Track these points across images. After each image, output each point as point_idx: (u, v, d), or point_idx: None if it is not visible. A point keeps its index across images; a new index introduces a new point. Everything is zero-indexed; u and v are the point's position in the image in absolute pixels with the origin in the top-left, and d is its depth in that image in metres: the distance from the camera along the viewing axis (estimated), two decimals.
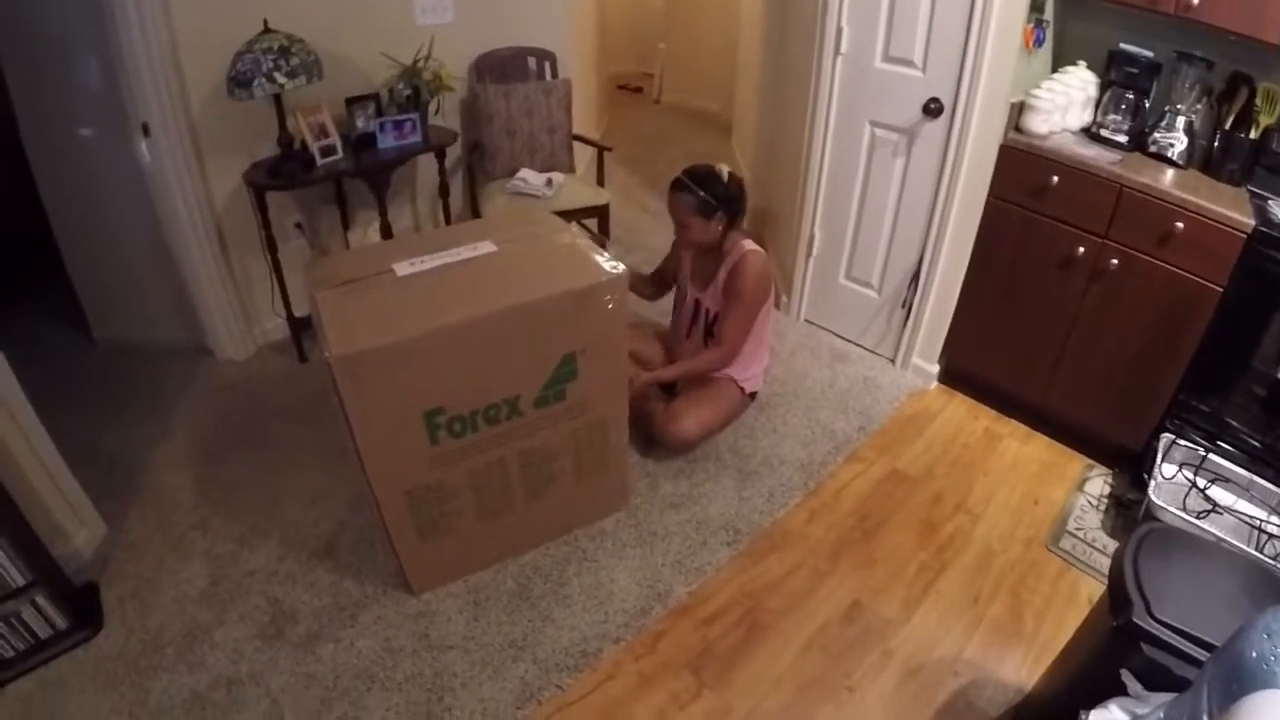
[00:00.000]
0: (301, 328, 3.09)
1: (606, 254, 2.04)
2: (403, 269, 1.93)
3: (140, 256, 3.00)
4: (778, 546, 2.34)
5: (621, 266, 1.98)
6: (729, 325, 2.46)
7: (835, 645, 2.08)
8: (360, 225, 3.28)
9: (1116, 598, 1.49)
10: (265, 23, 2.60)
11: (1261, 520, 2.27)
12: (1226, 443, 2.40)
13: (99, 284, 3.15)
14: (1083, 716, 1.33)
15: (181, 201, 2.78)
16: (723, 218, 2.44)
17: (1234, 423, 2.39)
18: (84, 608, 2.10)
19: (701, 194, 2.40)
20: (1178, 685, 1.30)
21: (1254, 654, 1.02)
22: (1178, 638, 1.37)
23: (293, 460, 2.62)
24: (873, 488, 2.56)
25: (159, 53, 2.56)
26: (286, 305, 3.04)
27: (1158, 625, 1.39)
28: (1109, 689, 1.38)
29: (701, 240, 2.48)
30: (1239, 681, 1.01)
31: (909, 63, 2.64)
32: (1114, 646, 1.45)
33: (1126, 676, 1.38)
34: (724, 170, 2.45)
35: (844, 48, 2.77)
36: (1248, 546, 2.17)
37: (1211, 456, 2.39)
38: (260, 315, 3.18)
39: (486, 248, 2.03)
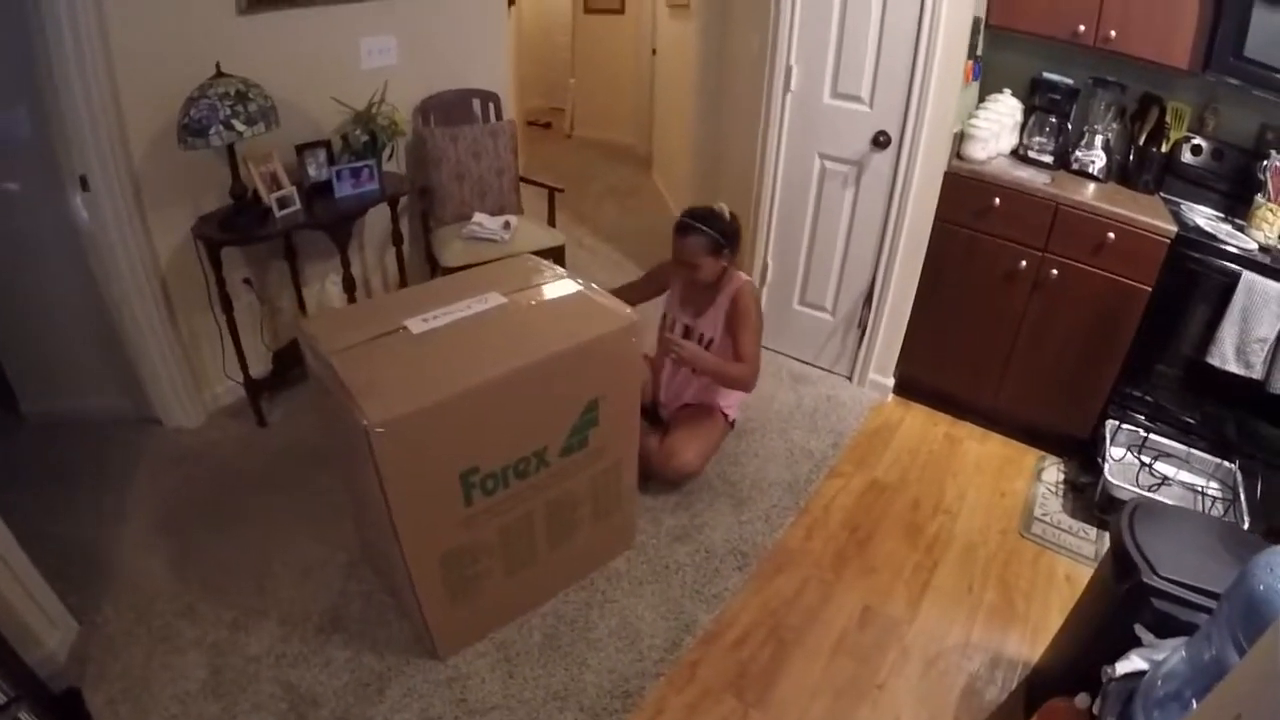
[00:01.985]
0: (259, 390, 2.94)
1: (610, 295, 2.11)
2: (416, 325, 1.90)
3: (73, 320, 2.78)
4: (784, 565, 2.44)
5: (629, 309, 2.04)
6: (747, 344, 2.54)
7: (858, 649, 2.20)
8: (314, 279, 3.14)
9: (1122, 564, 1.68)
10: (218, 66, 2.47)
11: (1202, 486, 2.59)
12: (1164, 422, 2.70)
13: (26, 352, 2.88)
14: (1108, 671, 1.49)
15: (124, 259, 2.59)
16: (728, 254, 2.53)
17: (1168, 405, 2.69)
18: (70, 717, 1.92)
19: (712, 233, 2.48)
20: (1184, 630, 1.49)
21: (1261, 588, 1.23)
22: (1183, 589, 1.56)
23: (273, 532, 2.49)
24: (856, 499, 2.71)
25: (100, 99, 2.39)
26: (243, 367, 2.88)
27: (1164, 581, 1.58)
28: (1124, 644, 1.55)
29: (708, 277, 2.55)
30: (1255, 612, 1.21)
31: (857, 98, 2.81)
32: (1124, 607, 1.64)
33: (1140, 630, 1.56)
34: (723, 209, 2.54)
35: (794, 85, 2.92)
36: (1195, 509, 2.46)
37: (1152, 436, 2.69)
38: (210, 379, 2.99)
39: (496, 299, 2.03)
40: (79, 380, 2.93)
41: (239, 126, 2.40)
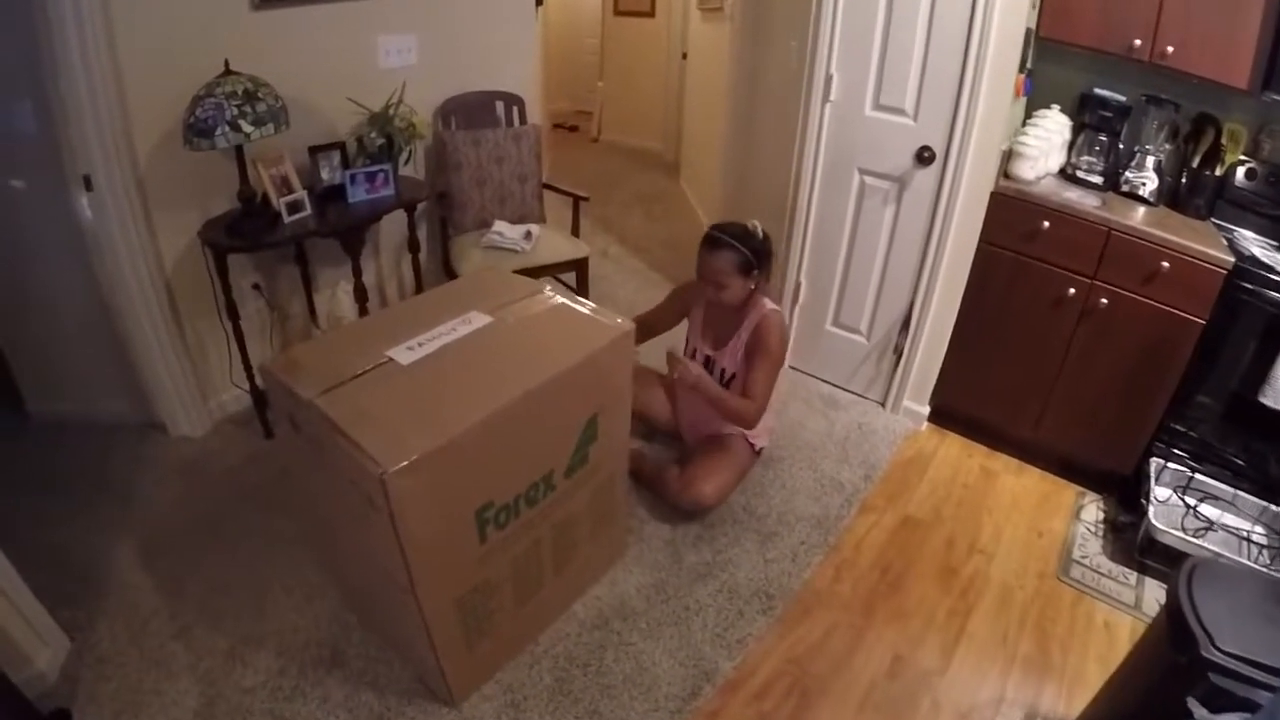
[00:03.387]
0: (267, 400, 2.80)
1: (594, 305, 2.03)
2: (403, 355, 1.76)
3: (78, 321, 2.69)
4: (811, 608, 2.29)
5: (620, 317, 1.96)
6: (758, 381, 2.39)
7: (887, 703, 2.05)
8: (326, 285, 3.03)
9: (1179, 633, 1.55)
10: (227, 64, 2.35)
11: (1247, 531, 2.42)
12: (1210, 462, 2.54)
13: (32, 351, 2.80)
14: None
15: (127, 262, 2.49)
16: (757, 275, 2.39)
17: (1216, 444, 2.53)
18: None
19: (744, 251, 2.34)
20: (1242, 706, 1.41)
21: None
22: (1243, 665, 1.45)
23: (275, 553, 2.37)
24: (889, 537, 2.56)
25: (105, 97, 2.29)
26: (249, 375, 2.77)
27: (1225, 656, 1.46)
28: (1172, 716, 1.47)
29: (735, 299, 2.41)
30: None
31: (900, 111, 2.66)
32: (1178, 678, 1.52)
33: (1193, 704, 1.46)
34: (757, 227, 2.40)
35: (833, 95, 2.77)
36: (1238, 556, 2.32)
37: (1198, 476, 2.52)
38: (216, 386, 2.89)
39: (480, 319, 1.91)
40: (84, 382, 2.85)
41: (246, 127, 2.28)
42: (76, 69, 2.22)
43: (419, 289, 3.21)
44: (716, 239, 2.37)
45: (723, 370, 2.53)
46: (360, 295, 2.80)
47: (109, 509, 2.55)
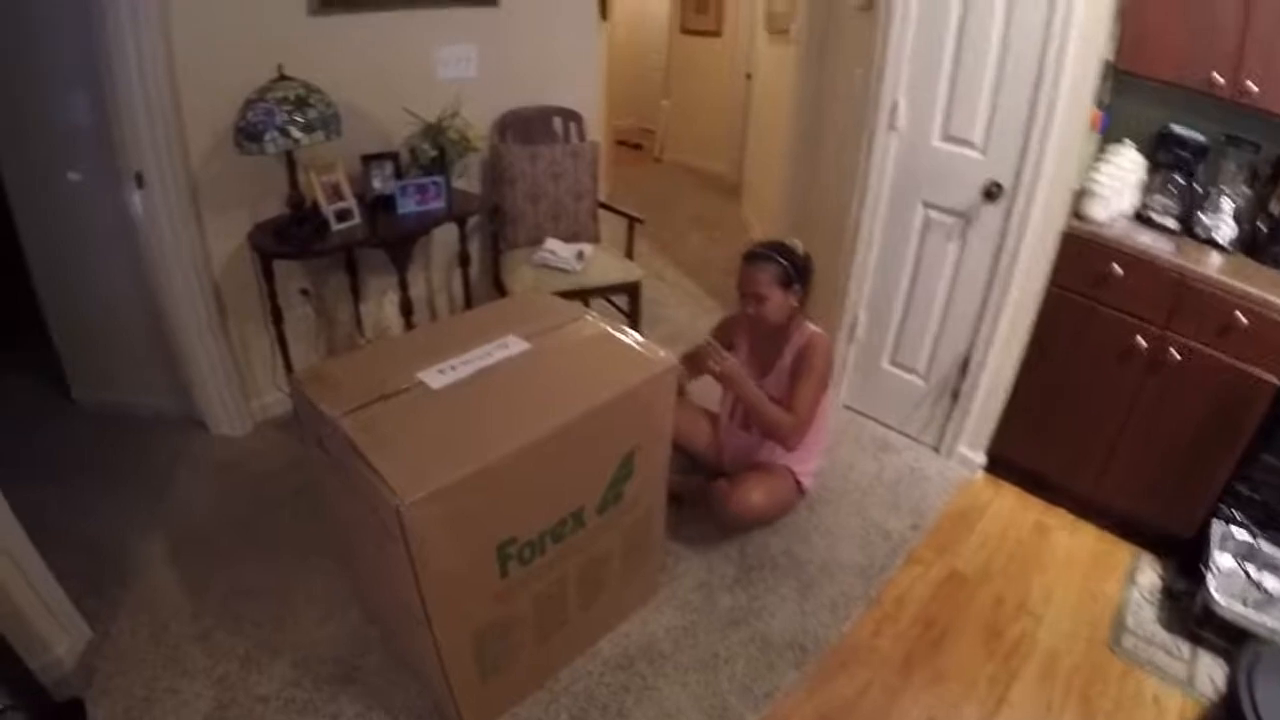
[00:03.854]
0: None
1: (639, 336, 1.93)
2: (434, 379, 1.70)
3: (128, 314, 2.74)
4: (846, 663, 2.16)
5: (664, 351, 1.86)
6: (802, 398, 2.30)
7: None
8: (374, 295, 3.02)
9: None
10: (280, 69, 2.37)
11: None
12: (1275, 529, 2.33)
13: (81, 340, 2.88)
14: None
15: (175, 260, 2.52)
16: (799, 291, 2.32)
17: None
18: None
19: (783, 262, 2.29)
20: None
21: None
22: None
23: (303, 562, 2.35)
24: (934, 592, 2.41)
25: (158, 96, 2.32)
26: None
27: None
28: None
29: (776, 317, 2.33)
30: None
31: (969, 143, 2.53)
32: None
33: None
34: (797, 244, 2.34)
35: (899, 123, 2.65)
36: None
37: (1262, 544, 2.32)
38: (260, 388, 2.91)
39: (518, 344, 1.84)
40: (129, 374, 2.90)
41: (295, 133, 2.28)
42: (130, 66, 2.25)
43: (468, 304, 3.19)
44: (756, 253, 2.34)
45: (769, 398, 2.42)
46: (406, 308, 2.78)
47: (144, 502, 2.58)
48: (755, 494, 2.38)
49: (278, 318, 2.63)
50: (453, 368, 1.73)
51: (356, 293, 2.96)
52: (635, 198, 5.61)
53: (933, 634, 2.27)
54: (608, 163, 5.73)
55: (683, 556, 2.45)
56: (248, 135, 2.27)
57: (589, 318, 2.01)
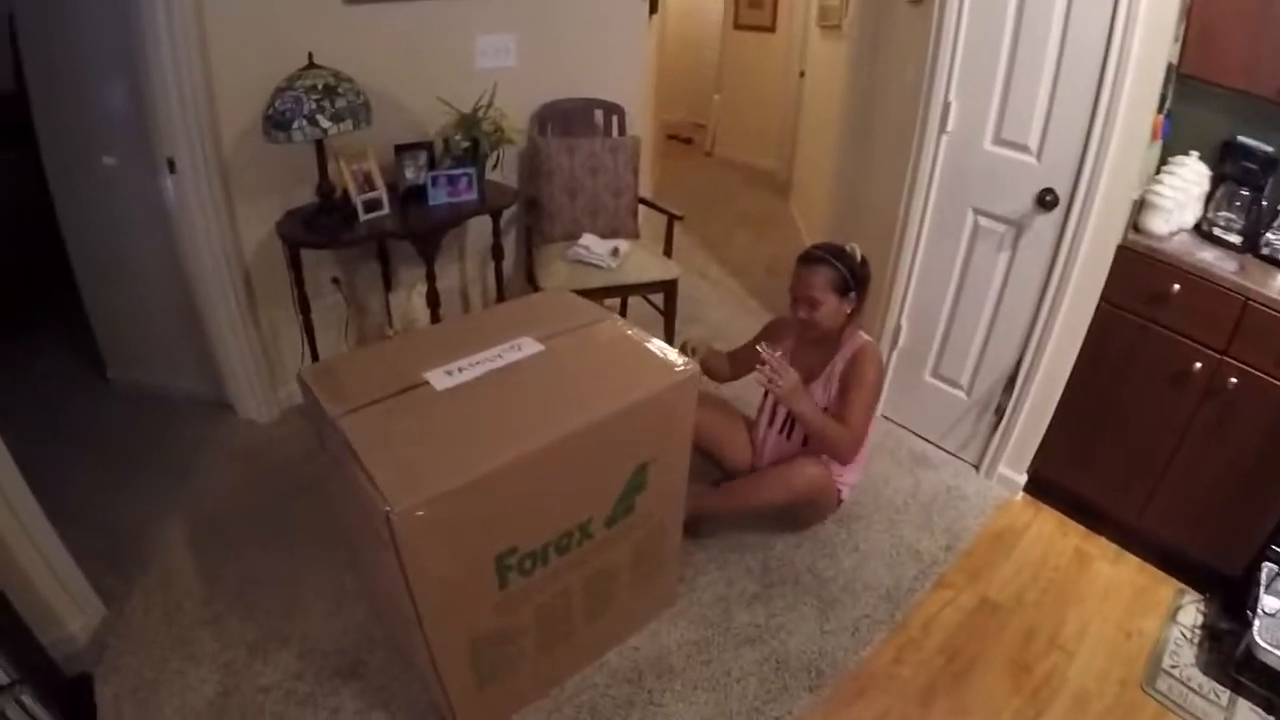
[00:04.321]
0: None
1: (662, 343, 1.84)
2: (440, 380, 1.64)
3: (161, 297, 2.76)
4: (864, 690, 2.06)
5: (685, 360, 1.78)
6: (856, 410, 2.20)
7: None
8: (404, 286, 3.00)
9: None
10: (310, 57, 2.35)
11: None
12: None
13: (115, 322, 2.92)
14: None
15: (205, 245, 2.52)
16: (854, 299, 2.22)
17: None
18: (76, 705, 1.87)
19: (841, 268, 2.19)
20: None
21: None
22: None
23: (317, 554, 2.34)
24: (962, 620, 2.28)
25: (190, 83, 2.31)
26: None
27: None
28: None
29: (828, 323, 2.23)
30: None
31: (1023, 147, 2.39)
32: None
33: None
34: (855, 249, 2.25)
35: (950, 125, 2.52)
36: None
37: None
38: (288, 374, 2.90)
39: (531, 346, 1.77)
40: (162, 356, 2.93)
41: (324, 123, 2.25)
42: (164, 54, 2.25)
43: (500, 298, 3.14)
44: (813, 254, 2.24)
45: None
46: (433, 300, 2.74)
47: (167, 483, 2.61)
48: (811, 466, 2.28)
49: (305, 307, 2.62)
50: (461, 369, 1.67)
51: (388, 282, 2.94)
52: (682, 193, 5.57)
53: (958, 665, 2.14)
54: (655, 157, 5.67)
55: (702, 569, 2.36)
56: (276, 124, 2.25)
57: (612, 320, 1.94)
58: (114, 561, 2.29)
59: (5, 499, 1.85)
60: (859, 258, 2.23)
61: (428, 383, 1.63)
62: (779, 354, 2.26)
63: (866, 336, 2.30)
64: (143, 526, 2.43)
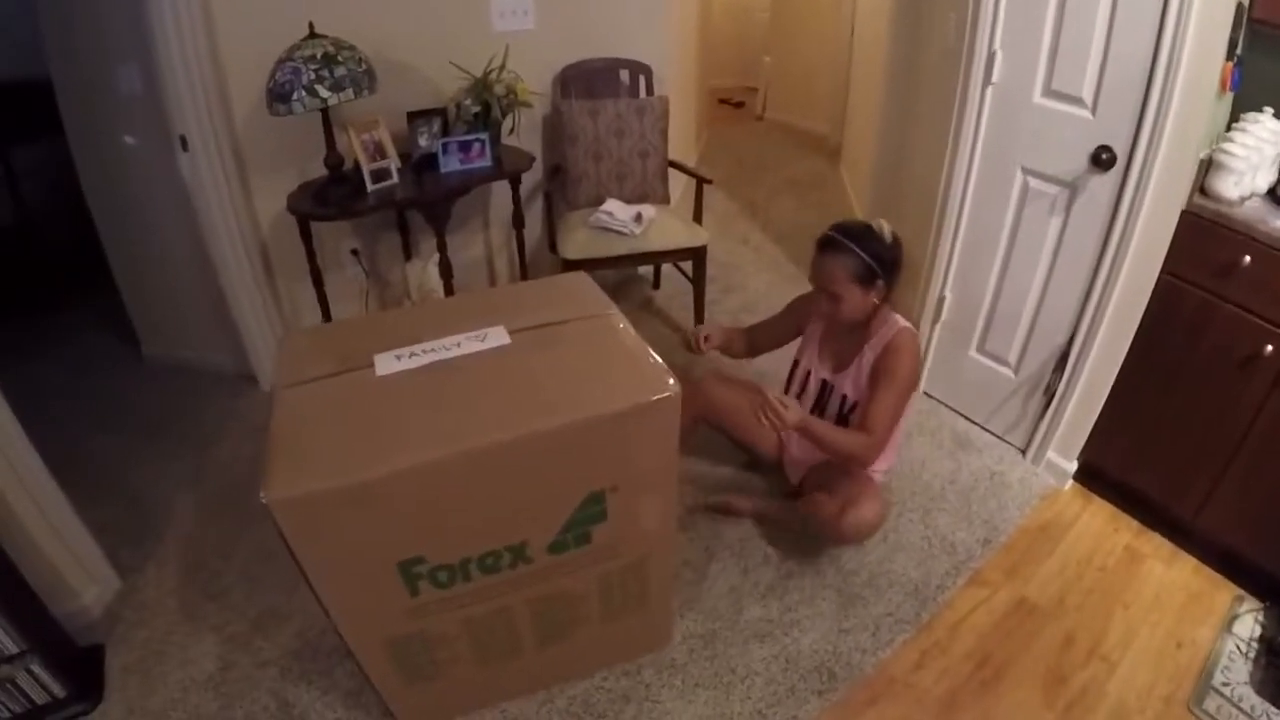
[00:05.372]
0: None
1: (655, 357, 1.55)
2: (385, 364, 1.50)
3: (186, 273, 2.78)
4: (878, 697, 1.91)
5: (673, 381, 1.47)
6: (881, 411, 2.00)
7: None
8: (422, 256, 2.92)
9: None
10: (311, 26, 2.28)
11: None
12: None
13: (146, 298, 2.97)
14: None
15: (221, 221, 2.52)
16: (882, 287, 2.01)
17: None
18: (86, 675, 1.93)
19: (864, 256, 1.96)
20: None
21: None
22: None
23: None
24: (996, 622, 2.09)
25: (196, 60, 2.30)
26: None
27: None
28: None
29: (853, 315, 2.04)
30: None
31: (1076, 100, 2.13)
32: None
33: None
34: (884, 228, 2.01)
35: (996, 76, 2.28)
36: None
37: None
38: None
39: (497, 338, 1.58)
40: (191, 331, 2.97)
41: (323, 93, 2.19)
42: (169, 32, 2.24)
43: (523, 267, 3.06)
44: (831, 239, 2.00)
45: (843, 398, 2.16)
46: (446, 271, 2.67)
47: (190, 457, 2.65)
48: (866, 509, 2.06)
49: (318, 279, 2.59)
50: (412, 355, 1.54)
51: (408, 253, 2.88)
52: (729, 158, 5.42)
53: (985, 672, 1.97)
54: (704, 121, 5.53)
55: (717, 555, 2.25)
56: (276, 96, 2.20)
57: (609, 318, 1.69)
58: (133, 533, 2.34)
59: (16, 474, 1.88)
60: (887, 238, 1.99)
61: (373, 365, 1.51)
62: (804, 373, 2.16)
63: (902, 323, 2.08)
64: (163, 500, 2.48)
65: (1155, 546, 2.33)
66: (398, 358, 1.52)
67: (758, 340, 2.37)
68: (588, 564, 1.65)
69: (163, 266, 2.79)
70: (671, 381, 1.46)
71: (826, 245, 2.01)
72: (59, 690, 1.84)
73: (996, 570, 2.23)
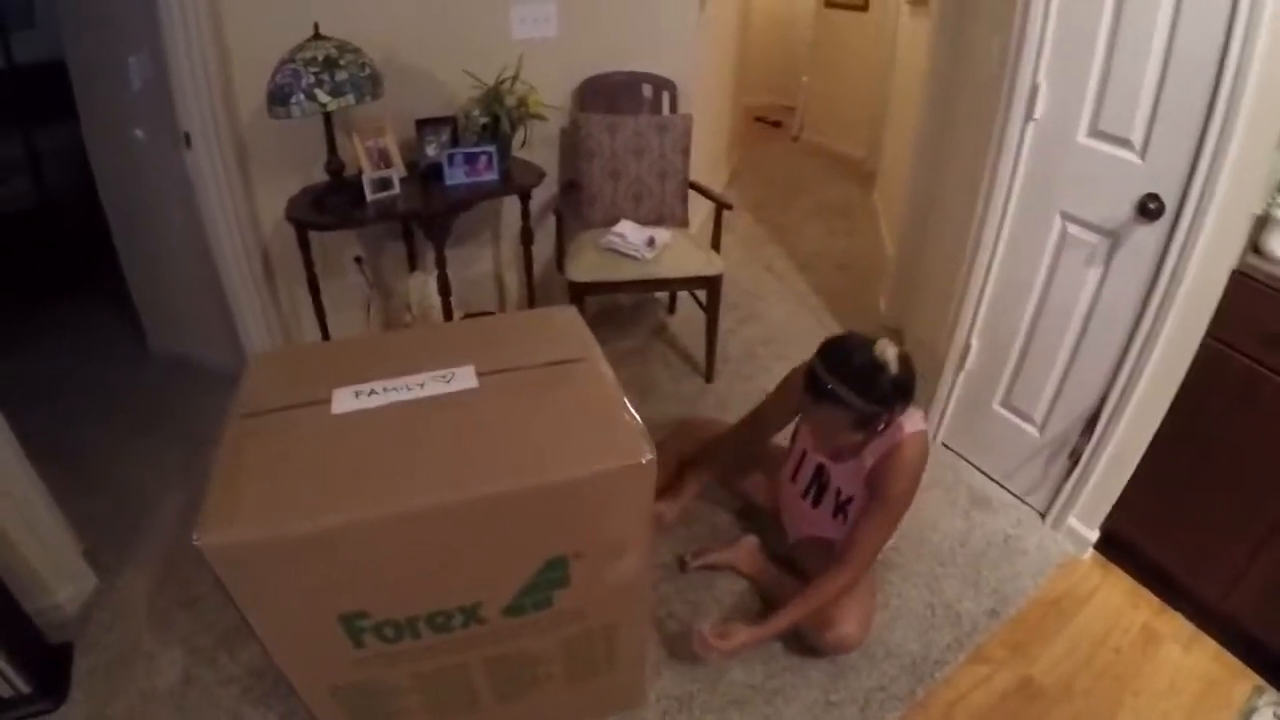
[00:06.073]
0: None
1: (633, 414, 1.39)
2: (342, 401, 1.40)
3: (190, 270, 2.74)
4: None
5: (649, 453, 1.31)
6: (865, 540, 1.83)
7: None
8: (428, 268, 2.82)
9: None
10: (316, 27, 2.21)
11: None
12: None
13: (152, 291, 2.97)
14: None
15: (223, 221, 2.48)
16: (884, 424, 1.79)
17: None
18: (52, 673, 1.92)
19: (864, 405, 1.69)
20: None
21: None
22: None
23: None
24: (995, 704, 1.92)
25: (201, 58, 2.25)
26: None
27: None
28: None
29: (852, 448, 1.88)
30: None
31: (1124, 142, 1.95)
32: None
33: None
34: (888, 354, 1.69)
35: (1038, 111, 2.11)
36: None
37: None
38: None
39: (464, 380, 1.45)
40: (196, 328, 2.95)
41: (321, 97, 2.11)
42: (176, 28, 2.20)
43: (530, 286, 2.97)
44: (825, 390, 1.70)
45: (838, 490, 1.98)
46: (444, 288, 2.57)
47: (180, 458, 2.62)
48: (848, 624, 1.88)
49: (315, 288, 2.53)
50: (371, 392, 1.43)
51: (413, 264, 2.80)
52: (761, 179, 5.29)
53: None
54: (737, 140, 5.41)
55: (704, 608, 2.12)
56: (275, 99, 2.14)
57: (592, 364, 1.54)
58: (114, 534, 2.32)
59: None
60: (893, 368, 1.68)
61: (329, 401, 1.41)
62: (799, 454, 1.99)
63: (909, 427, 1.80)
64: (148, 497, 2.46)
65: (1175, 628, 2.13)
66: (356, 394, 1.42)
67: (762, 422, 2.16)
68: (548, 627, 1.52)
69: (169, 261, 2.77)
70: (646, 445, 1.32)
71: (818, 390, 1.73)
72: (23, 686, 1.82)
73: (1002, 646, 2.06)
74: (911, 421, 1.81)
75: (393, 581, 1.33)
